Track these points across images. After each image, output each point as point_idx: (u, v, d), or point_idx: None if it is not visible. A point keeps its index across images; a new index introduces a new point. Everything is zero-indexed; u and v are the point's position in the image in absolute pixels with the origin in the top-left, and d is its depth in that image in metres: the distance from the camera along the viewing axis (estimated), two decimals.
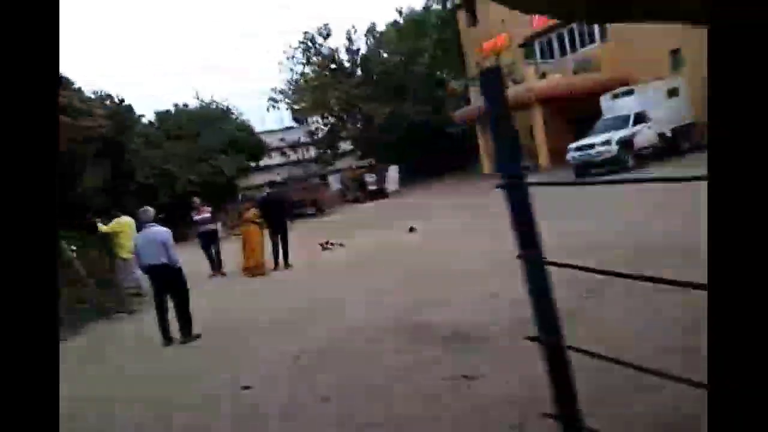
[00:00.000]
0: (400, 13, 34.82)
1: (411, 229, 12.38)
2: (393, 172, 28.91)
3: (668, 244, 6.21)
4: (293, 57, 33.83)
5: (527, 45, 25.19)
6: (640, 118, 16.20)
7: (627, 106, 16.72)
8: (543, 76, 20.96)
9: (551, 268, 1.73)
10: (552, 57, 23.04)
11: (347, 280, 8.66)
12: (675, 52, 19.20)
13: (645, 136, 16.22)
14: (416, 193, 26.08)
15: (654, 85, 17.06)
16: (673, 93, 17.18)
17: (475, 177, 26.69)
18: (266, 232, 10.79)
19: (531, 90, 19.33)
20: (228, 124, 28.76)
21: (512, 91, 21.42)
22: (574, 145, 16.79)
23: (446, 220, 13.39)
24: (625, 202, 9.26)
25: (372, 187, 26.81)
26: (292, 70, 34.26)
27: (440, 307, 5.89)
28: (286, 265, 10.62)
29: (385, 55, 34.29)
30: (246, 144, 28.59)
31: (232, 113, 30.41)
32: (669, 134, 16.84)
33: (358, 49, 34.68)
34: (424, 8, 34.56)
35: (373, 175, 27.11)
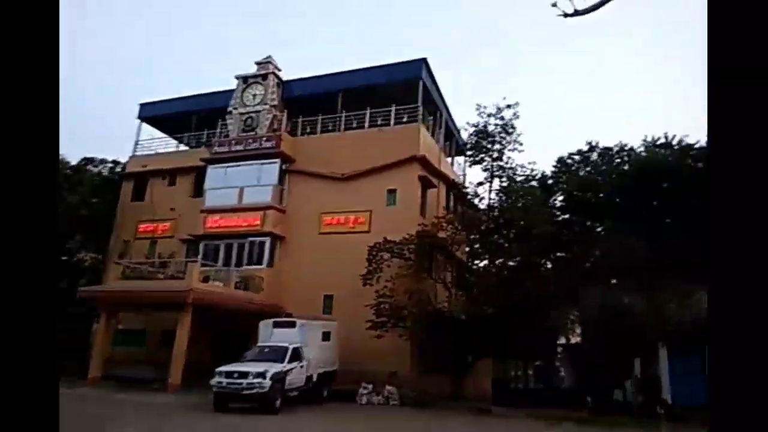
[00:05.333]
0: None
1: None
2: None
3: None
4: None
5: (192, 242, 23.21)
6: (296, 354, 15.19)
7: (286, 338, 15.68)
8: (206, 279, 18.73)
9: None
10: (215, 263, 21.47)
11: None
12: (328, 298, 20.41)
13: (297, 375, 15.04)
14: None
15: (313, 324, 16.91)
16: (326, 336, 17.30)
17: (68, 379, 19.56)
18: None
19: (191, 290, 16.57)
20: None
21: (165, 285, 18.21)
22: (224, 368, 14.07)
23: None
24: None
25: None
26: None
27: None
28: None
29: None
30: None
31: None
32: (315, 378, 16.20)
33: None
34: (84, 161, 29.53)
35: None
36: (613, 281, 20.69)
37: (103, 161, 30.15)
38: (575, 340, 26.91)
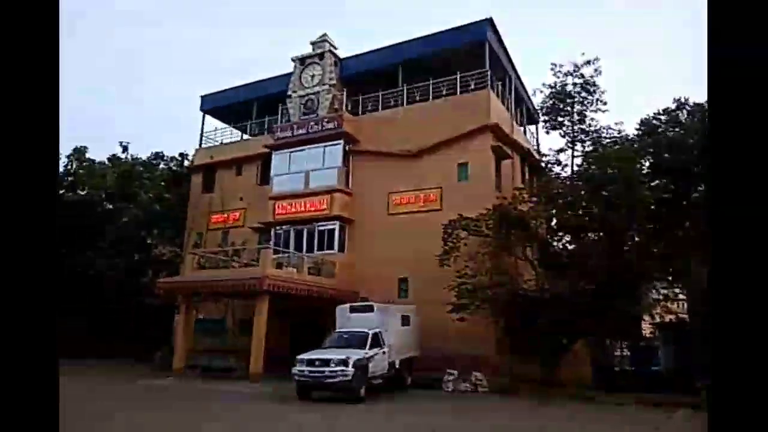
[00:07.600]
0: (125, 148, 29.61)
1: None
2: None
3: None
4: None
5: (263, 230, 23.06)
6: (376, 340, 14.42)
7: (365, 323, 14.94)
8: (279, 266, 18.37)
9: None
10: (287, 249, 21.15)
11: None
12: (403, 281, 19.52)
13: (380, 362, 14.29)
14: None
15: (392, 308, 16.09)
16: (406, 320, 16.44)
17: (154, 370, 19.97)
18: None
19: (266, 276, 16.19)
20: None
21: (240, 272, 18.01)
22: (305, 356, 13.54)
23: None
24: None
25: None
26: None
27: None
28: None
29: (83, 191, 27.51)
30: None
31: None
32: (398, 365, 15.40)
33: None
34: (155, 156, 30.28)
35: None
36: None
37: (173, 158, 30.83)
38: (668, 318, 24.66)
